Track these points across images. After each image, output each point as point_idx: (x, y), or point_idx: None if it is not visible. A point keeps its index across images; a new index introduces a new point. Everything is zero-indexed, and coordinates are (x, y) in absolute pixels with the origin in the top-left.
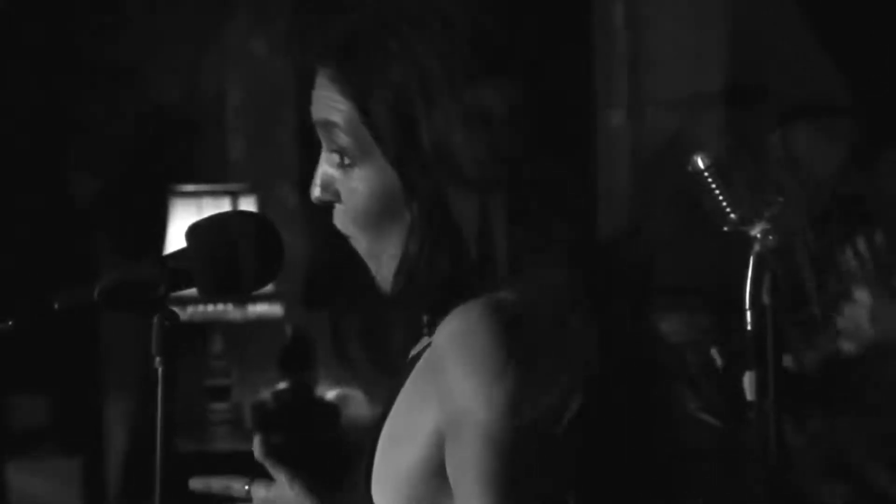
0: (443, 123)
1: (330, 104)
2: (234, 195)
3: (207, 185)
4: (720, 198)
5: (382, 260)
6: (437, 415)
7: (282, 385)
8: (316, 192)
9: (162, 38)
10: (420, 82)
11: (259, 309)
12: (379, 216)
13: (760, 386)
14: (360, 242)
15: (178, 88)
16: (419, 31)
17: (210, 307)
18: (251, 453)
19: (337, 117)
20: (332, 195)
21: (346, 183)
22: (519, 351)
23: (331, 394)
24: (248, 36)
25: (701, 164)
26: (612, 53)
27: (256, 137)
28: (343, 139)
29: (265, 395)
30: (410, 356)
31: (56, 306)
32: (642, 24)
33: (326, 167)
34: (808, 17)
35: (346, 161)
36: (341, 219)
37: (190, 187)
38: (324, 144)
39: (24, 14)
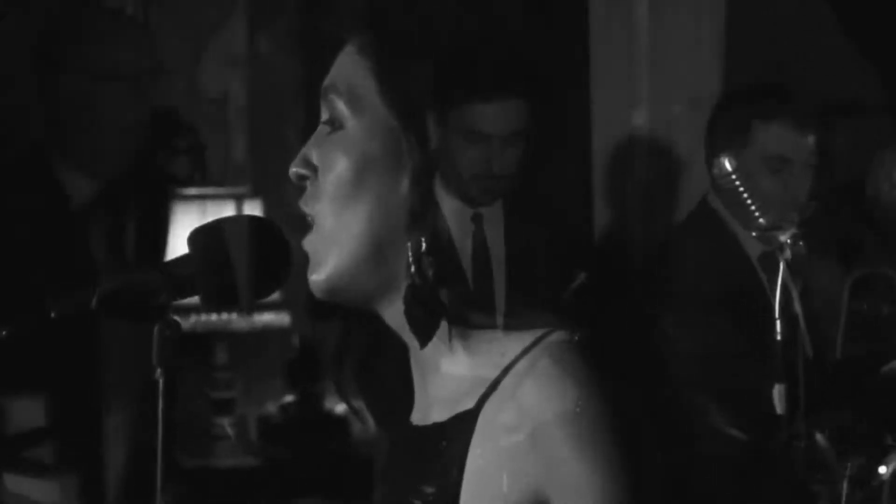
0: (444, 128)
1: (348, 68)
2: (239, 199)
3: (211, 188)
4: (748, 201)
5: (341, 241)
6: (537, 481)
7: (289, 398)
8: (294, 167)
9: (163, 38)
10: (437, 80)
11: (265, 318)
12: (352, 185)
13: (790, 399)
14: (324, 221)
15: (180, 90)
16: (441, 37)
17: (214, 316)
18: (256, 468)
19: (345, 79)
20: (310, 169)
21: (326, 151)
22: (619, 408)
23: (340, 407)
24: (252, 35)
25: (728, 166)
26: (634, 51)
27: (261, 139)
28: (342, 100)
29: (271, 408)
30: (453, 414)
31: (53, 314)
32: (666, 20)
33: (312, 144)
34: (839, 14)
35: (336, 124)
36: (313, 200)
37: (193, 191)
38: (322, 116)
39: (24, 12)
